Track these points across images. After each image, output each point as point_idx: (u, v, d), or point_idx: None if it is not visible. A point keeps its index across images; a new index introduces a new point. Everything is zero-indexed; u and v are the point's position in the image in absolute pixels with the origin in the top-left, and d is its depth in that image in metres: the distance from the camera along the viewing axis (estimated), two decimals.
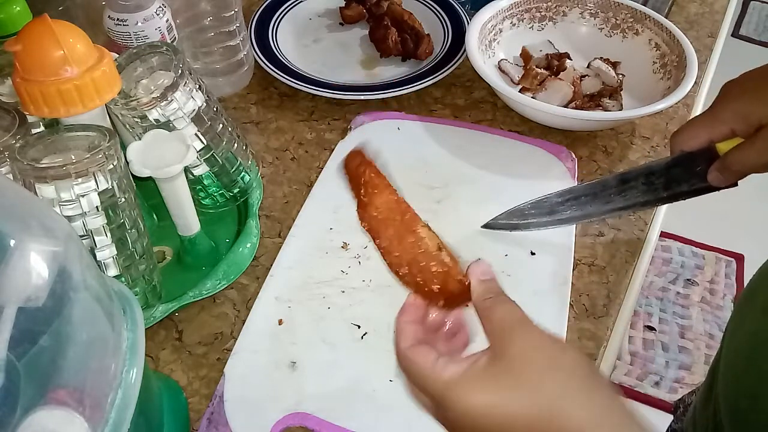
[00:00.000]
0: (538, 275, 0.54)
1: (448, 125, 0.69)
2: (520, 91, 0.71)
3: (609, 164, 0.67)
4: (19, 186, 0.41)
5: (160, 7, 0.61)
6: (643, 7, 0.75)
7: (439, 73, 0.73)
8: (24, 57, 0.42)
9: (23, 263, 0.29)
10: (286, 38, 0.80)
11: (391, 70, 0.77)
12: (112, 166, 0.43)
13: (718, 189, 0.50)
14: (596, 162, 0.67)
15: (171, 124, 0.50)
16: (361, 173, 0.39)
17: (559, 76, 0.71)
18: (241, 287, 0.55)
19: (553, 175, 0.63)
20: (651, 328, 1.53)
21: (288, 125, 0.71)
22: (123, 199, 0.45)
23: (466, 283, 0.36)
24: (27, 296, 0.28)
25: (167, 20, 0.62)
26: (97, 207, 0.43)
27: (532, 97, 0.68)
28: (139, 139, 0.49)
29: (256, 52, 0.75)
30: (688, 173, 0.50)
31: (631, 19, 0.76)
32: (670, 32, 0.72)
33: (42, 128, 0.47)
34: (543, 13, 0.79)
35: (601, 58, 0.74)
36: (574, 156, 0.65)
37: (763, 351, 0.45)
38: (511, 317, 0.33)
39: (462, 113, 0.72)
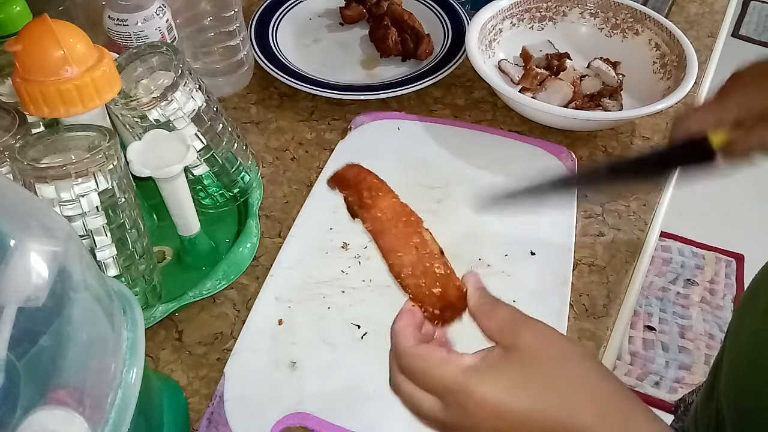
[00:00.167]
0: (538, 275, 0.54)
1: (448, 125, 0.69)
2: (520, 91, 0.71)
3: None
4: (19, 186, 0.41)
5: (160, 7, 0.61)
6: (643, 7, 0.75)
7: (439, 73, 0.73)
8: (24, 57, 0.42)
9: (23, 263, 0.29)
10: (286, 38, 0.80)
11: (391, 70, 0.77)
12: (112, 166, 0.43)
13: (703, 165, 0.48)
14: (596, 162, 0.67)
15: (171, 124, 0.50)
16: (362, 178, 0.40)
17: (559, 76, 0.71)
18: (241, 287, 0.55)
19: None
20: (651, 328, 1.53)
21: (288, 125, 0.71)
22: (123, 199, 0.45)
23: (464, 290, 0.37)
24: (27, 296, 0.28)
25: (167, 20, 0.62)
26: (97, 207, 0.43)
27: (532, 97, 0.68)
28: (139, 139, 0.49)
29: (256, 52, 0.75)
30: (678, 161, 0.50)
31: (631, 19, 0.76)
32: (670, 32, 0.72)
33: (42, 128, 0.47)
34: (543, 13, 0.79)
35: (601, 58, 0.74)
36: (574, 156, 0.65)
37: (765, 350, 0.45)
38: (514, 315, 0.35)
39: (462, 113, 0.72)
